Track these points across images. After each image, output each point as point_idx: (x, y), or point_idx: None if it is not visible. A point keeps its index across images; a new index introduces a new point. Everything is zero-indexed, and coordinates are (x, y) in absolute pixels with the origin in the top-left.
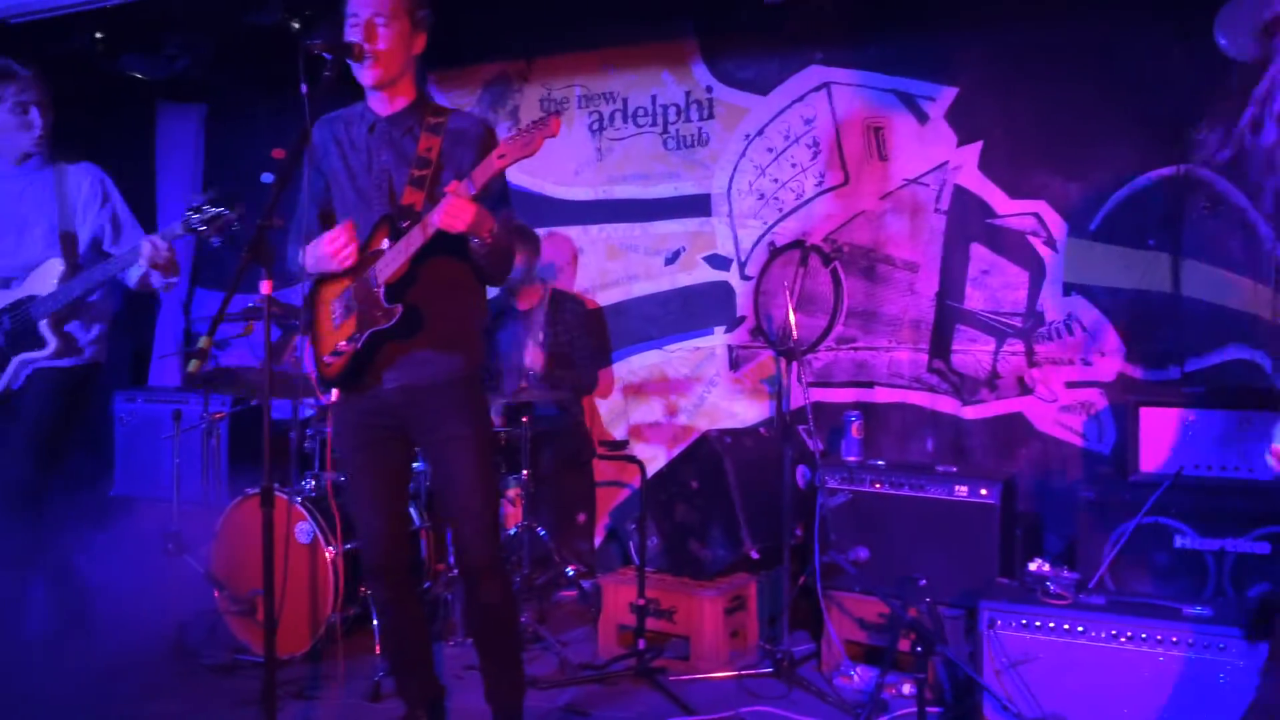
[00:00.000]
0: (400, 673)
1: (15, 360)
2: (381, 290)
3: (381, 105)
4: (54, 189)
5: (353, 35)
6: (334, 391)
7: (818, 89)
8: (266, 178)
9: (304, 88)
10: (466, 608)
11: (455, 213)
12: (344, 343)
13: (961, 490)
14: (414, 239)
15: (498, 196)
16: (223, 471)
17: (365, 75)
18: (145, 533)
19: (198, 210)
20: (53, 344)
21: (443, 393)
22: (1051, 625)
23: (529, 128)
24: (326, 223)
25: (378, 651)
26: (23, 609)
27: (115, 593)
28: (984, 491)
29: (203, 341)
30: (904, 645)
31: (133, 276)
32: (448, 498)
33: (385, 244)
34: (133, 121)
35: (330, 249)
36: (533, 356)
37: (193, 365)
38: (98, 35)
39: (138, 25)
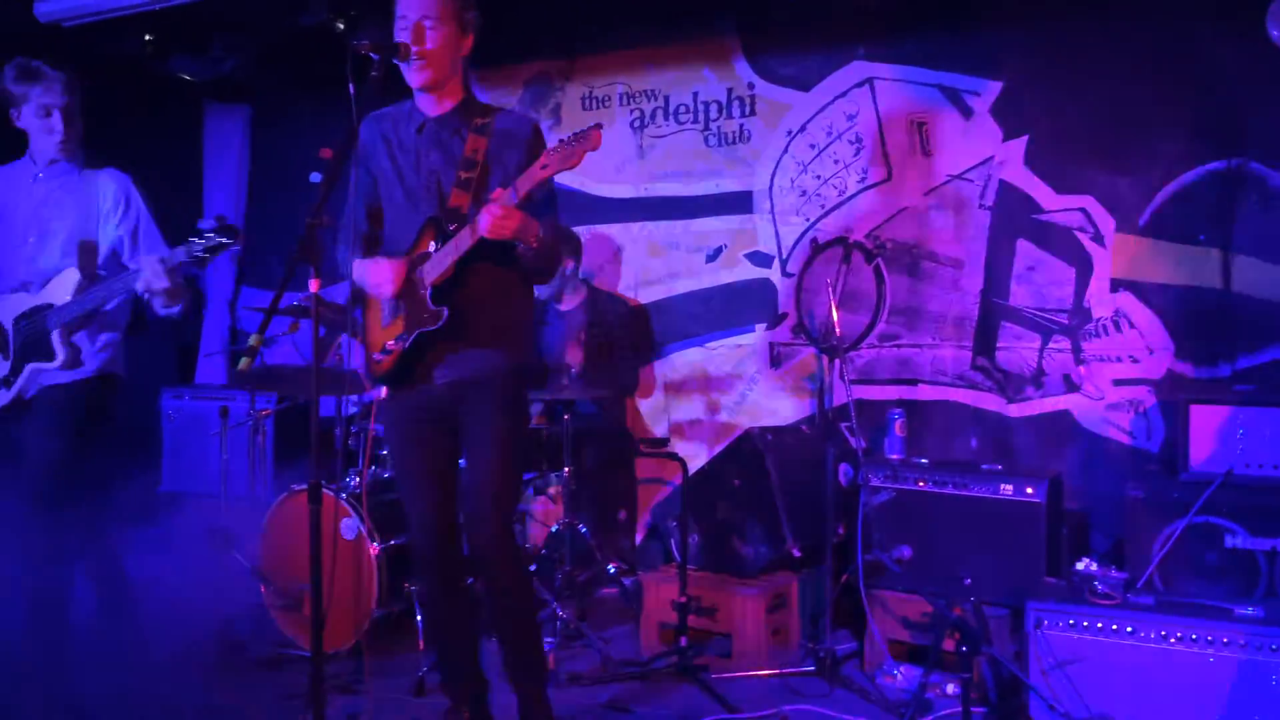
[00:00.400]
0: (446, 666)
1: (28, 369)
2: (428, 292)
3: (430, 106)
4: (78, 195)
5: (401, 37)
6: (382, 388)
7: (860, 84)
8: (315, 177)
9: (351, 88)
10: (484, 595)
11: (500, 221)
12: (392, 342)
13: (1007, 489)
14: (461, 242)
15: (545, 201)
16: (268, 467)
17: (414, 77)
18: (194, 528)
19: (201, 237)
20: (61, 355)
21: (485, 386)
22: (1099, 625)
23: (572, 140)
24: (374, 219)
25: (421, 646)
26: (69, 605)
27: (164, 586)
28: (1030, 490)
29: (253, 340)
30: (948, 645)
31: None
32: (468, 481)
33: (432, 246)
34: (180, 122)
35: (375, 279)
36: (573, 355)
37: (243, 363)
38: (147, 38)
39: (186, 27)
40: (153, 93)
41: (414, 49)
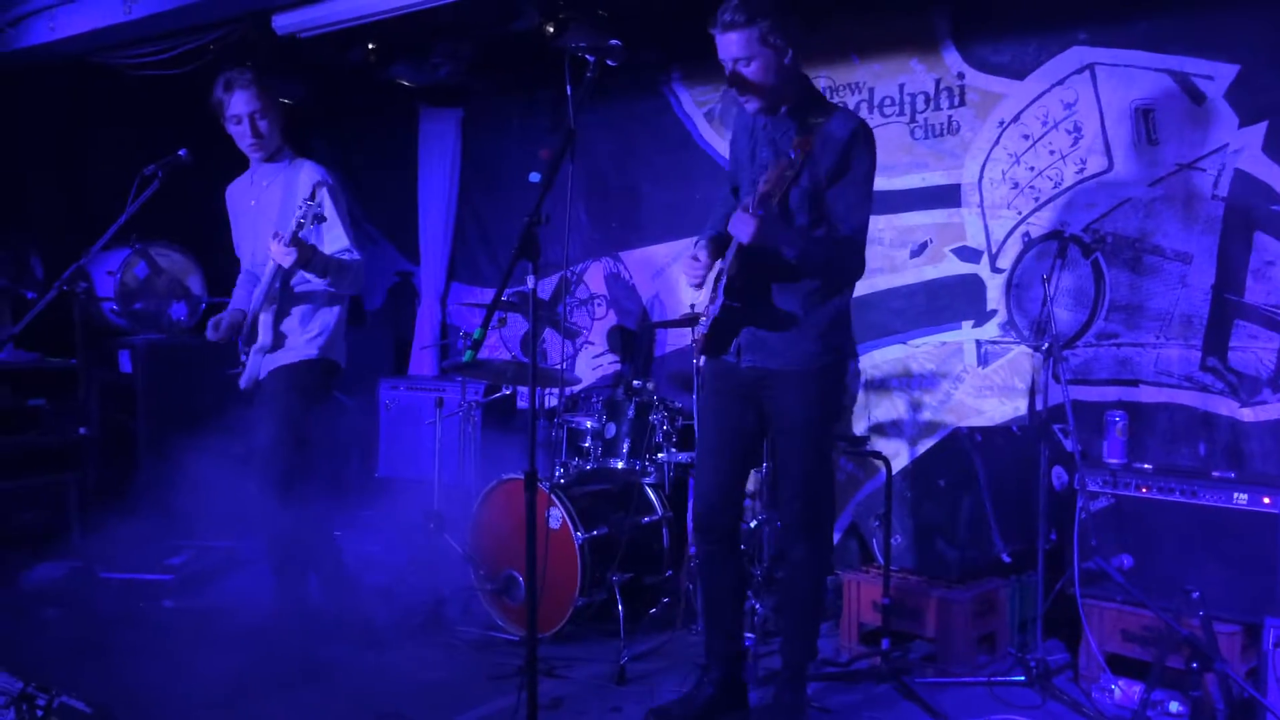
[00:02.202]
0: (710, 624)
1: (252, 351)
2: (723, 281)
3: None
4: (282, 191)
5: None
6: (702, 357)
7: (1080, 71)
8: (534, 177)
9: (569, 89)
10: (782, 570)
11: (740, 225)
12: (705, 317)
13: (1241, 498)
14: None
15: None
16: (477, 456)
17: (748, 105)
18: (408, 512)
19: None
20: (265, 338)
21: (789, 379)
22: None
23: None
24: (735, 194)
25: (622, 635)
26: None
27: (382, 566)
28: (1267, 500)
29: (477, 334)
30: (1173, 661)
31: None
32: (779, 475)
33: None
34: (398, 126)
35: (688, 270)
36: None
37: (468, 355)
38: (370, 46)
39: (407, 35)
40: (374, 98)
41: (739, 87)
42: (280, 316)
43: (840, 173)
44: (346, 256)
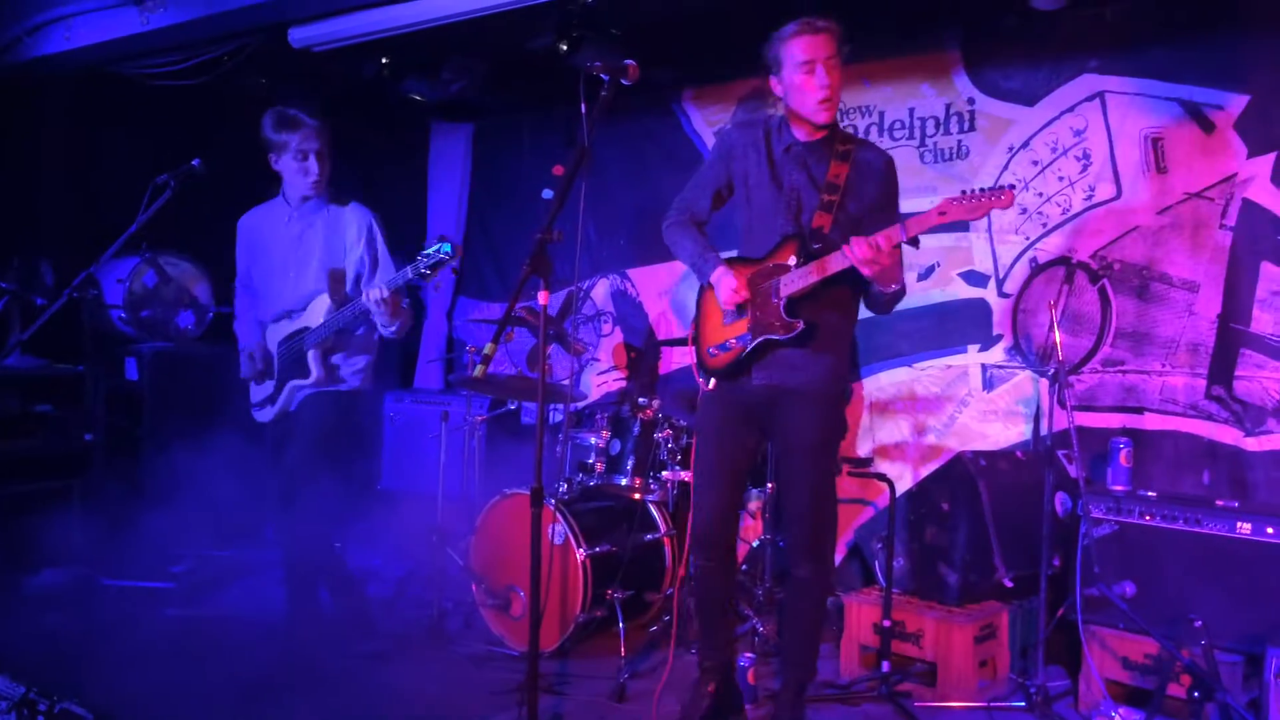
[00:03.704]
0: (704, 636)
1: (288, 386)
2: (783, 303)
3: (801, 133)
4: (328, 229)
5: (809, 79)
6: (711, 381)
7: (1090, 98)
8: (546, 193)
9: (584, 106)
10: (786, 586)
11: (876, 256)
12: (735, 340)
13: (1244, 527)
14: (831, 264)
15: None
16: (481, 470)
17: (820, 116)
18: (409, 524)
19: (423, 256)
20: (316, 373)
21: (806, 398)
22: None
23: (981, 194)
24: (715, 204)
25: (623, 653)
26: (319, 591)
27: (383, 579)
28: (1270, 530)
29: (488, 348)
30: (1173, 689)
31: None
32: (785, 494)
33: (792, 260)
34: (410, 140)
35: (726, 293)
36: None
37: (479, 370)
38: (384, 61)
39: (421, 51)
40: (386, 113)
41: (824, 89)
42: (331, 352)
43: (884, 202)
44: (405, 301)
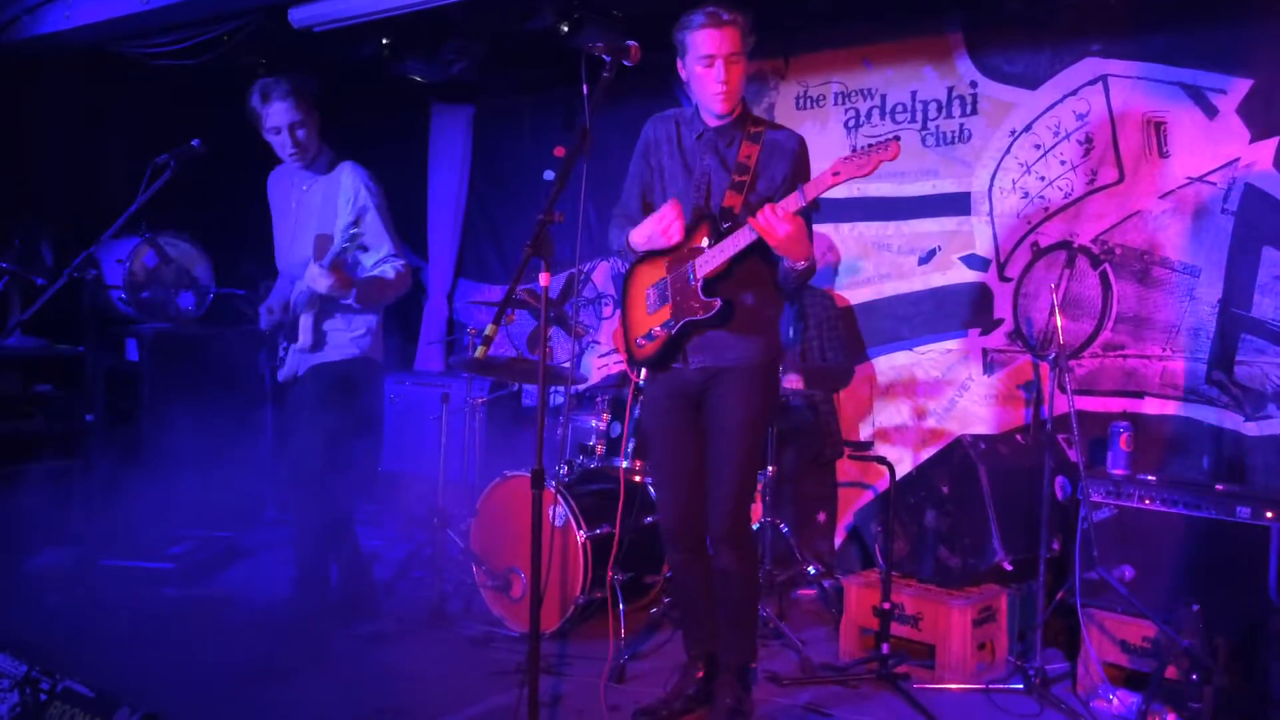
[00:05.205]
0: (686, 625)
1: (291, 349)
2: (700, 284)
3: (711, 119)
4: (323, 195)
5: (707, 72)
6: (642, 371)
7: (1092, 82)
8: (548, 174)
9: (585, 88)
10: (714, 572)
11: (776, 223)
12: (659, 328)
13: (1244, 512)
14: (739, 240)
15: (806, 215)
16: (481, 452)
17: (719, 106)
18: (411, 506)
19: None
20: (306, 339)
21: (736, 375)
22: None
23: (867, 149)
24: (647, 210)
25: (623, 634)
26: (329, 569)
27: (385, 561)
28: (1269, 514)
29: (488, 330)
30: (1170, 672)
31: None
32: (709, 467)
33: (705, 242)
34: (410, 122)
35: (659, 226)
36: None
37: (479, 351)
38: (384, 41)
39: (421, 31)
40: (386, 93)
41: (721, 84)
42: (322, 318)
43: (795, 181)
44: (389, 266)
